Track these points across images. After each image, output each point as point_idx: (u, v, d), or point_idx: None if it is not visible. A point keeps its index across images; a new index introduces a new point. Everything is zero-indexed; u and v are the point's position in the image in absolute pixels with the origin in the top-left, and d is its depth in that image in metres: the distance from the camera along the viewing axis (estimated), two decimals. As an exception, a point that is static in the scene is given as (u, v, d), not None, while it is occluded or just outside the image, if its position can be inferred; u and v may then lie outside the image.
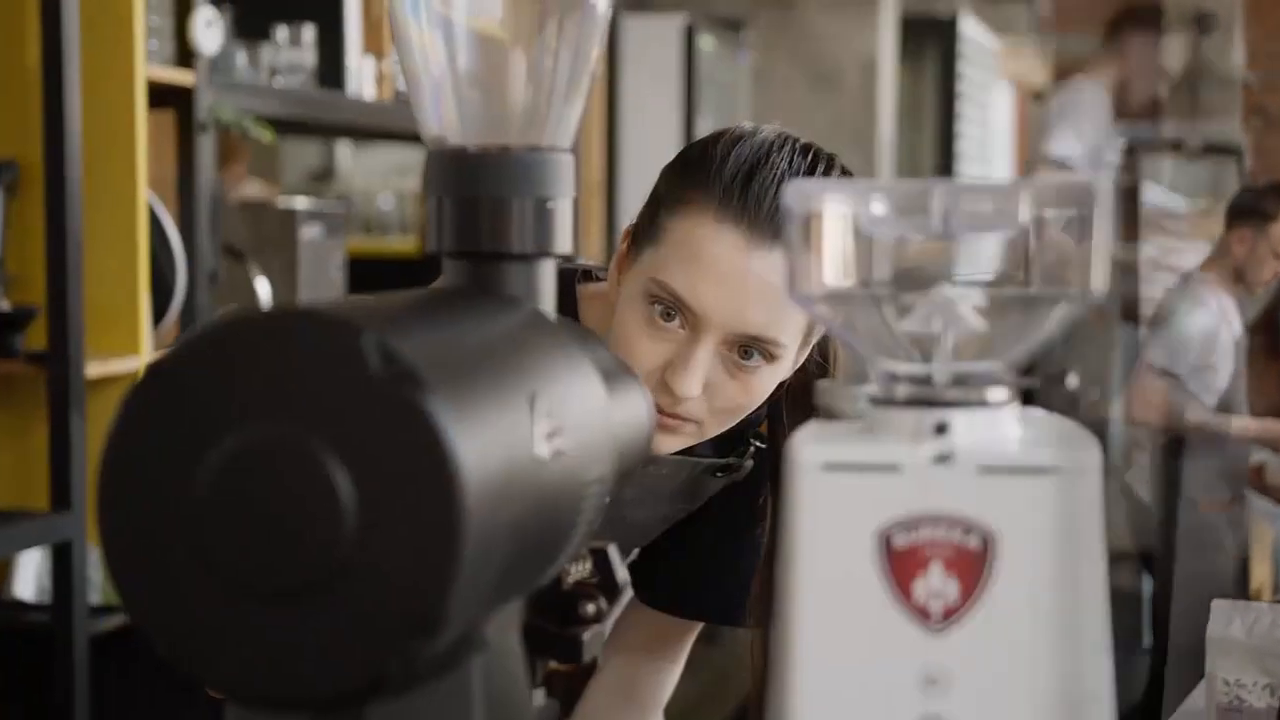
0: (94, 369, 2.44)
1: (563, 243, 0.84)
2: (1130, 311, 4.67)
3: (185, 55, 2.67)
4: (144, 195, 2.52)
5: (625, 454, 0.86)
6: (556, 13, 0.84)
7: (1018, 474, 0.69)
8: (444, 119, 0.84)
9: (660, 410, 1.23)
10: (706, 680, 3.42)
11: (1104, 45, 4.48)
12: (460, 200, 0.82)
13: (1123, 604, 4.80)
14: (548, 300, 0.84)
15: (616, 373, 0.89)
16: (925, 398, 0.72)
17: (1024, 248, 0.72)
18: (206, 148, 2.69)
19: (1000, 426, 0.71)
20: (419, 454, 0.62)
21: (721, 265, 1.21)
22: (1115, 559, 4.57)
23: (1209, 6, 9.37)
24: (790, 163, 1.26)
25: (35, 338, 2.42)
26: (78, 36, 2.40)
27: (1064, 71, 9.92)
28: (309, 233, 3.07)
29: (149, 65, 2.58)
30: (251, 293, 2.88)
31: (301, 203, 3.17)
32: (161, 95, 2.65)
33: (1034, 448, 0.70)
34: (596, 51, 0.86)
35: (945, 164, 7.41)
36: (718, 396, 1.25)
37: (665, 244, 1.24)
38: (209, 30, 2.65)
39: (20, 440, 2.50)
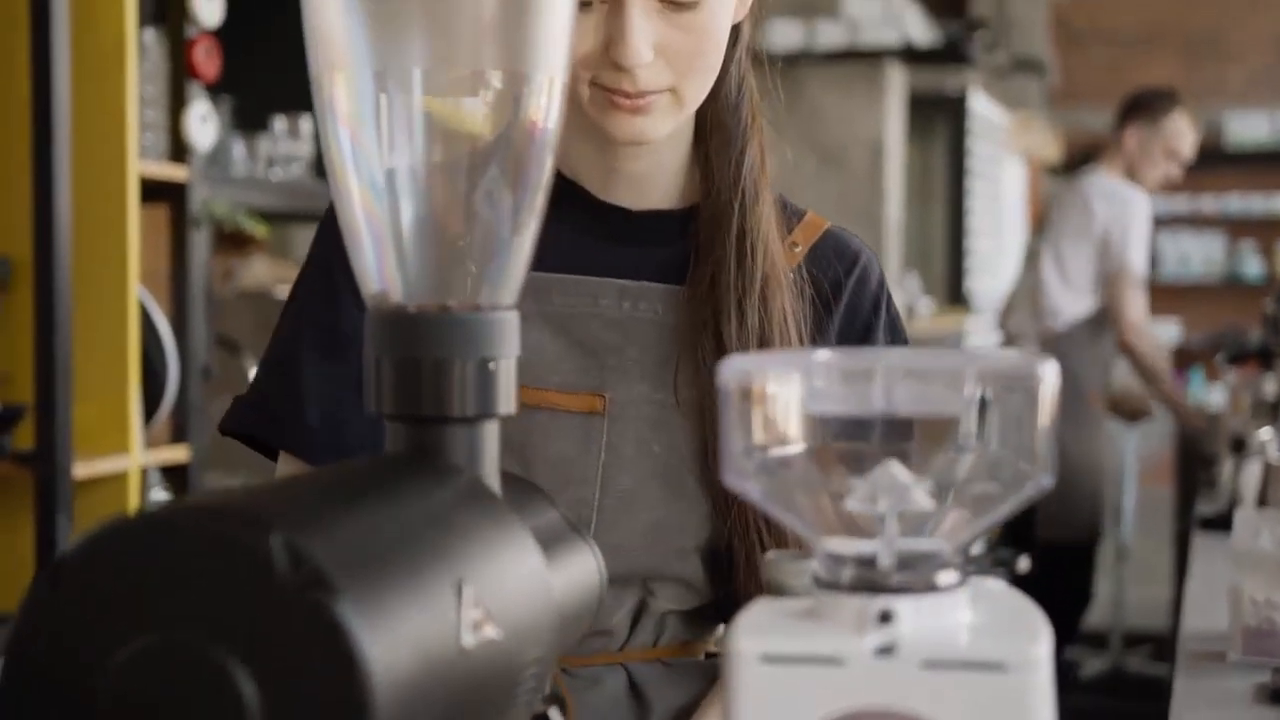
0: (82, 469, 2.42)
1: (506, 404, 0.82)
2: None
3: (180, 149, 2.67)
4: (135, 292, 2.51)
5: (569, 623, 0.83)
6: (498, 171, 0.82)
7: (964, 669, 0.66)
8: (385, 276, 0.82)
9: (625, 94, 1.15)
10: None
11: (1112, 133, 4.50)
12: (400, 361, 0.80)
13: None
14: (490, 463, 0.81)
15: (562, 535, 0.87)
16: (870, 582, 0.69)
17: (970, 427, 0.70)
18: (200, 243, 2.68)
19: (948, 613, 0.69)
20: (328, 660, 0.59)
21: None
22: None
23: None
24: None
25: (23, 437, 2.40)
26: (69, 132, 2.40)
27: (1075, 145, 9.95)
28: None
29: (143, 161, 2.57)
30: (246, 386, 2.86)
31: (300, 292, 3.16)
32: (156, 190, 2.64)
33: (982, 639, 0.67)
34: (540, 204, 0.83)
35: (956, 239, 7.39)
36: (673, 53, 1.15)
37: None
38: (203, 125, 2.65)
39: (7, 541, 2.47)
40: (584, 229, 1.25)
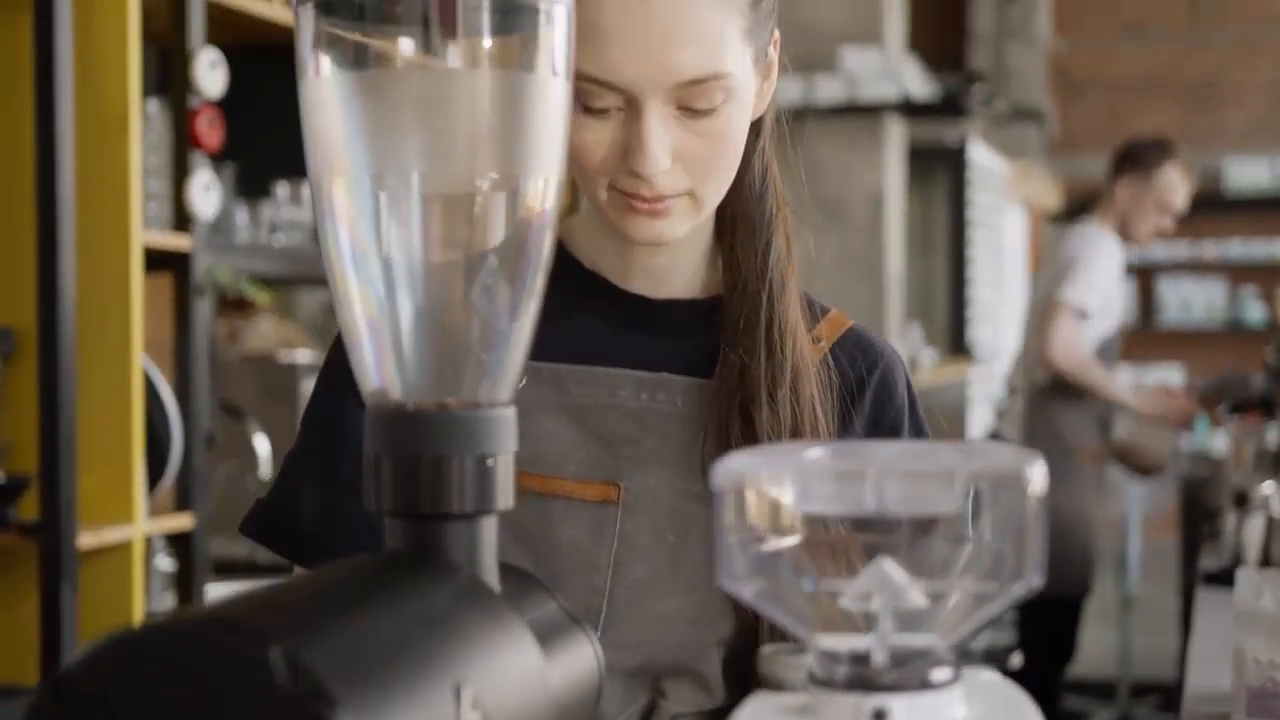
0: (87, 539, 2.42)
1: (504, 499, 0.82)
2: None
3: (183, 219, 2.69)
4: (139, 362, 2.52)
5: (568, 715, 0.84)
6: (495, 269, 0.83)
7: (958, 768, 0.67)
8: (383, 374, 0.83)
9: (643, 199, 1.14)
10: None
11: (1105, 184, 4.52)
12: (399, 458, 0.81)
13: None
14: (489, 558, 0.82)
15: (561, 627, 0.87)
16: (864, 680, 0.70)
17: (961, 526, 0.71)
18: (203, 310, 2.70)
19: (942, 710, 0.69)
20: (328, 771, 0.60)
21: (618, 25, 1.09)
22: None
23: None
24: None
25: (28, 507, 2.41)
26: (73, 202, 2.42)
27: (1075, 193, 9.99)
28: (310, 387, 3.07)
29: (146, 231, 2.59)
30: (251, 451, 2.88)
31: (304, 356, 3.18)
32: (159, 259, 2.66)
33: (975, 738, 0.68)
34: (536, 301, 0.85)
35: (957, 289, 7.42)
36: (691, 158, 1.14)
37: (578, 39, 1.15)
38: (206, 195, 2.67)
39: (11, 613, 2.48)
40: (604, 319, 1.25)
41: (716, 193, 1.18)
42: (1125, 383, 4.46)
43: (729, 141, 1.15)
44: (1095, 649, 6.57)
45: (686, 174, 1.14)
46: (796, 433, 1.19)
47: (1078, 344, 4.25)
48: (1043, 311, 4.34)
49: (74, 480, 2.38)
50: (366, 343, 0.83)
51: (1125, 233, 4.42)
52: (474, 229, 0.82)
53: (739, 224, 1.25)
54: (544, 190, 0.83)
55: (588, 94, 1.11)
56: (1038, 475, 0.69)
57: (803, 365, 1.21)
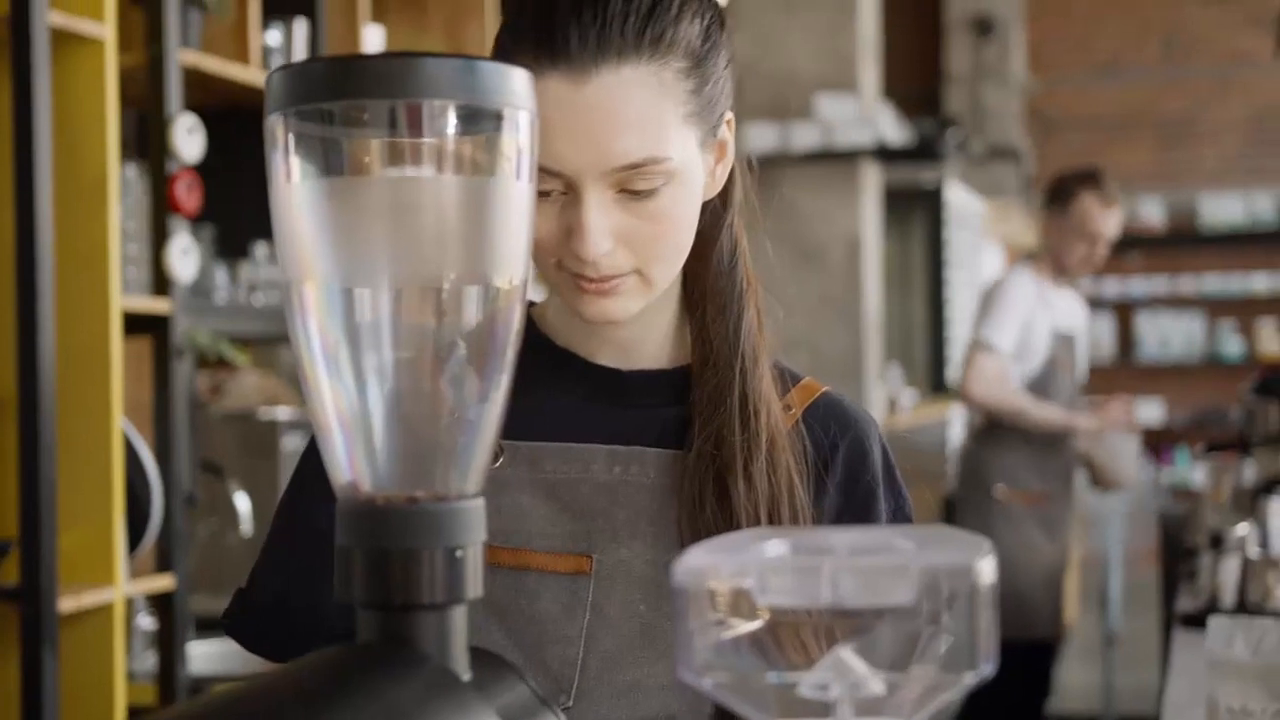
0: (68, 603, 2.43)
1: (474, 589, 0.85)
2: None
3: (162, 282, 2.71)
4: (119, 425, 2.54)
5: (540, 801, 0.85)
6: (463, 368, 0.86)
7: None
8: (354, 468, 0.85)
9: (589, 279, 1.16)
10: None
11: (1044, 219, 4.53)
12: (370, 551, 0.83)
13: None
14: (459, 647, 0.84)
15: (531, 710, 0.89)
16: (824, 767, 0.72)
17: (916, 621, 0.73)
18: (183, 372, 2.72)
19: (900, 796, 0.71)
20: None
21: (557, 113, 1.12)
22: None
23: (990, 11, 9.55)
24: None
25: (8, 572, 2.42)
26: (53, 266, 2.44)
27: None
28: (291, 443, 3.09)
29: (126, 295, 2.61)
30: (231, 510, 2.89)
31: (284, 413, 3.19)
32: (139, 322, 2.68)
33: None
34: (502, 398, 0.87)
35: (936, 328, 7.46)
36: (634, 239, 1.15)
37: None
38: (185, 258, 2.69)
39: (-8, 678, 2.48)
40: (577, 393, 1.27)
41: (666, 271, 1.19)
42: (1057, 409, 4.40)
43: (672, 222, 1.16)
44: (1078, 685, 6.59)
45: (631, 254, 1.16)
46: (773, 504, 1.21)
47: (995, 378, 4.22)
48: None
49: (54, 544, 2.40)
50: (337, 437, 0.85)
51: (1060, 268, 4.39)
52: (442, 327, 0.84)
53: (709, 298, 1.26)
54: (510, 288, 0.86)
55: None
56: (987, 568, 0.71)
57: (777, 437, 1.23)
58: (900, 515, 1.30)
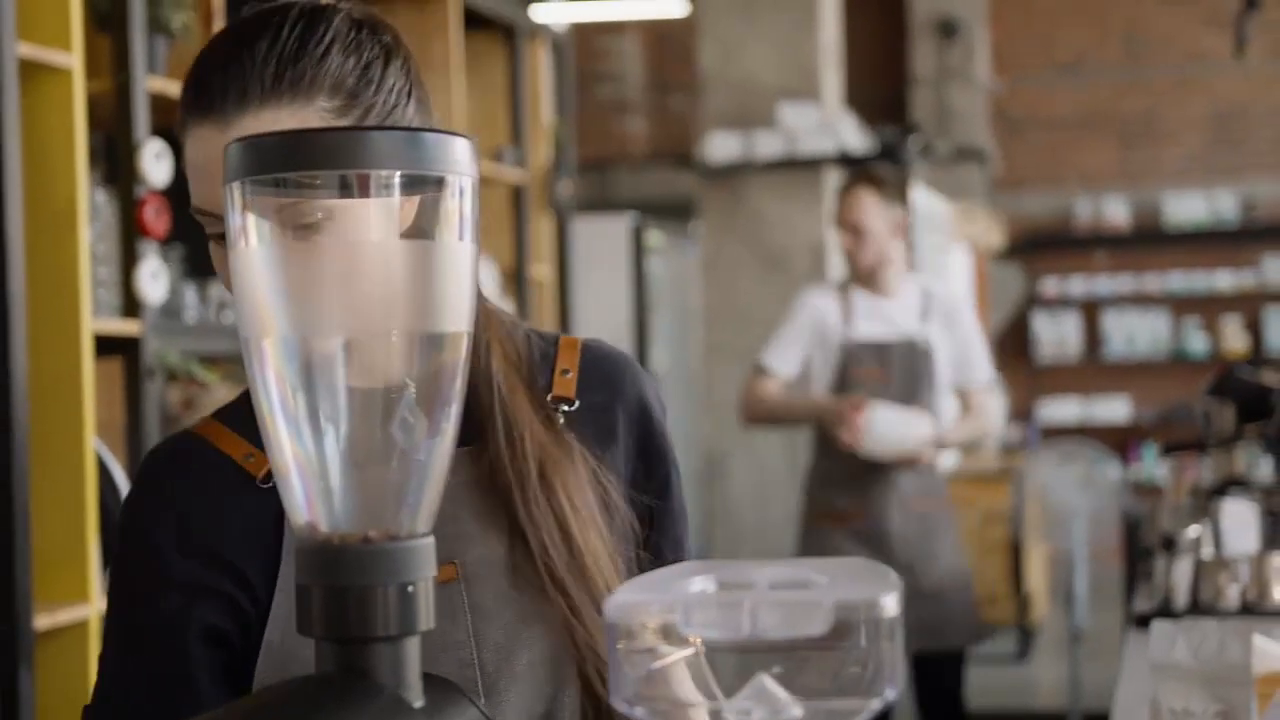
0: (43, 621, 2.48)
1: (426, 621, 0.91)
2: None
3: (132, 304, 2.76)
4: (91, 445, 2.59)
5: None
6: (411, 417, 0.92)
7: None
8: (311, 510, 0.91)
9: None
10: None
11: None
12: (326, 588, 0.89)
13: None
14: (413, 675, 0.90)
15: (483, 735, 0.96)
16: (745, 787, 0.78)
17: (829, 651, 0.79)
18: (154, 393, 2.77)
19: (815, 813, 0.78)
20: None
21: (208, 158, 1.19)
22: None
23: (953, 13, 9.64)
24: (247, 27, 1.21)
25: (-17, 591, 2.47)
26: (24, 291, 2.48)
27: (1018, 230, 10.15)
28: (261, 458, 3.13)
29: (96, 318, 2.66)
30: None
31: (254, 427, 3.24)
32: (109, 344, 2.73)
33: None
34: (450, 442, 0.93)
35: (903, 331, 7.52)
36: None
37: (189, 178, 1.22)
38: (154, 281, 2.74)
39: (-31, 696, 2.53)
40: None
41: None
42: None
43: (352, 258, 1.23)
44: (1045, 680, 6.68)
45: None
46: (563, 525, 1.26)
47: (757, 394, 4.11)
48: None
49: (29, 563, 2.45)
50: (295, 481, 0.91)
51: (855, 275, 4.22)
52: (391, 376, 0.91)
53: None
54: (455, 336, 0.92)
55: (214, 229, 1.23)
56: (891, 601, 0.78)
57: (547, 457, 1.28)
58: (676, 469, 1.38)
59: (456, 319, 0.91)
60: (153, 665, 1.25)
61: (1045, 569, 7.72)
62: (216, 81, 1.19)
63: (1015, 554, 7.26)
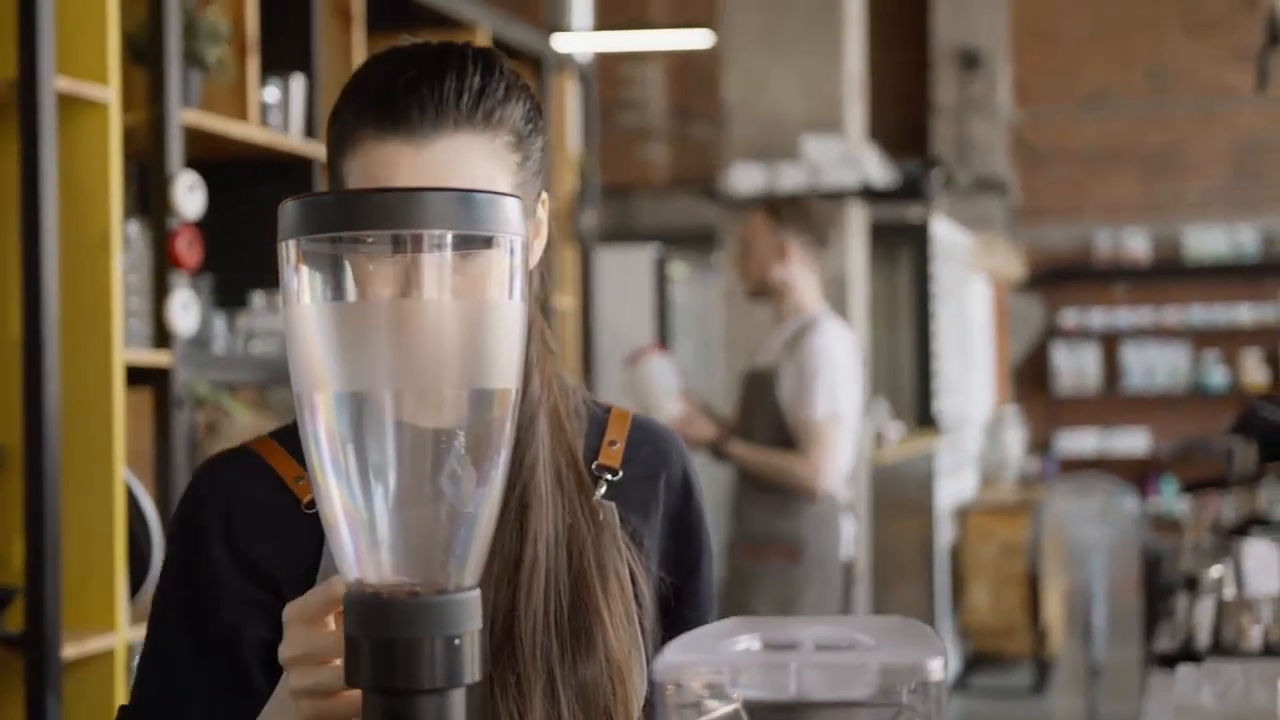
0: (71, 649, 2.50)
1: (471, 674, 0.92)
2: None
3: (163, 335, 2.78)
4: (121, 475, 2.61)
5: None
6: (460, 470, 0.93)
7: None
8: (361, 565, 0.93)
9: None
10: None
11: None
12: (375, 641, 0.91)
13: None
14: (457, 727, 0.92)
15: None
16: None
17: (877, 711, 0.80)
18: (183, 423, 2.79)
19: None
20: None
21: (397, 175, 1.19)
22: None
23: (976, 45, 9.62)
24: (429, 53, 1.23)
25: (13, 619, 2.48)
26: (58, 321, 2.51)
27: (1038, 262, 10.14)
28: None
29: (128, 348, 2.68)
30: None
31: (279, 456, 3.25)
32: (140, 374, 2.75)
33: None
34: (498, 495, 0.94)
35: (923, 362, 7.54)
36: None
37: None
38: (185, 312, 2.76)
39: (-5, 724, 2.55)
40: None
41: None
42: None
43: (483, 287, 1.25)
44: (1063, 715, 6.66)
45: None
46: (518, 560, 1.26)
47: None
48: None
49: (58, 592, 2.46)
50: (344, 533, 0.93)
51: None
52: (440, 432, 0.92)
53: None
54: (503, 392, 0.93)
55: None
56: (937, 666, 0.79)
57: (533, 502, 1.28)
58: (709, 555, 1.40)
59: (505, 375, 0.92)
60: (195, 654, 1.26)
61: (1062, 601, 7.71)
62: (411, 100, 1.20)
63: (1033, 586, 7.25)
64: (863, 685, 0.80)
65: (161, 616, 1.29)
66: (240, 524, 1.27)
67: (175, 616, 1.28)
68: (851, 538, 4.11)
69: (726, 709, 0.83)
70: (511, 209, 0.92)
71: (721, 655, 0.81)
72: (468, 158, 1.21)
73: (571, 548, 1.28)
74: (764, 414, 4.01)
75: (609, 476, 1.33)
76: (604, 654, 1.25)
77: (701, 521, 1.39)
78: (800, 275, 4.09)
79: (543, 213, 1.32)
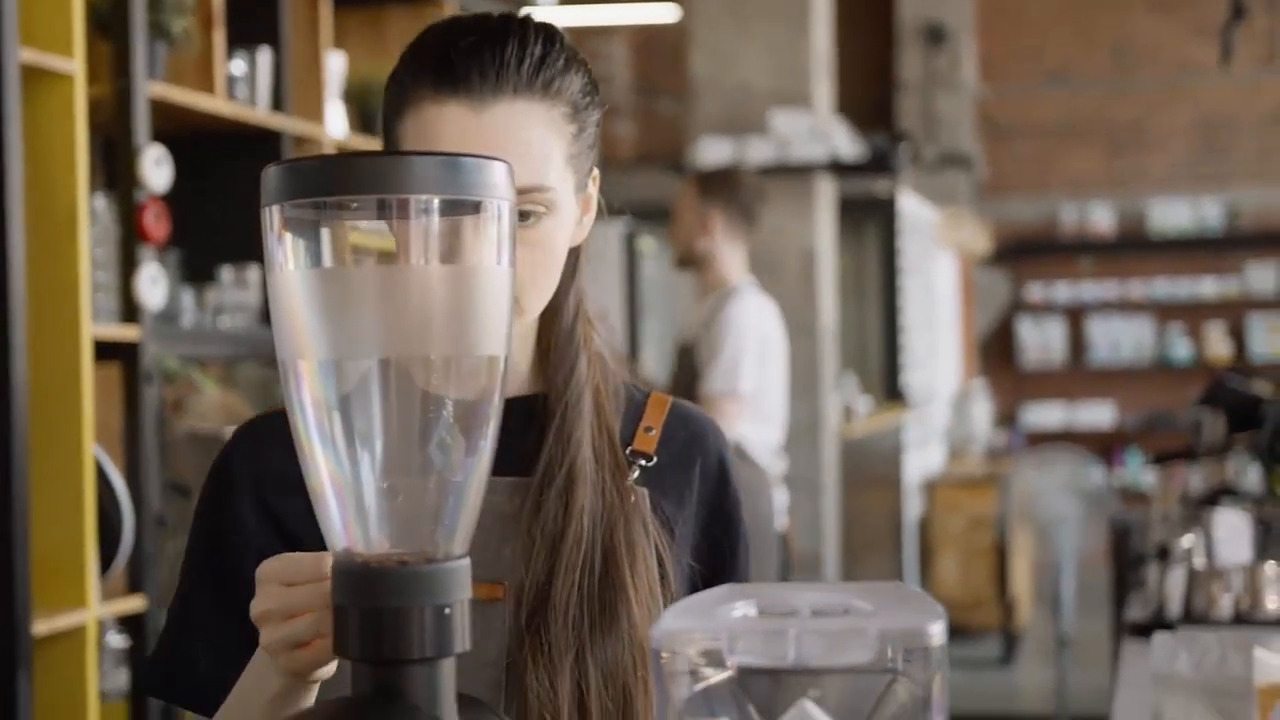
0: (41, 626, 2.48)
1: (461, 643, 0.91)
2: None
3: (131, 310, 2.75)
4: (90, 451, 2.58)
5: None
6: (448, 441, 0.92)
7: None
8: (349, 534, 0.91)
9: None
10: None
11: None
12: (364, 611, 0.89)
13: None
14: (448, 697, 0.91)
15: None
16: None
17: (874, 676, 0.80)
18: (152, 397, 2.76)
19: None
20: None
21: (456, 136, 1.20)
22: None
23: (941, 20, 9.65)
24: (490, 22, 1.24)
25: (-18, 597, 2.46)
26: (25, 296, 2.48)
27: (1004, 236, 10.17)
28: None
29: (96, 323, 2.65)
30: (199, 531, 2.92)
31: (248, 432, 3.23)
32: (108, 349, 2.72)
33: None
34: (486, 464, 0.93)
35: (890, 336, 7.55)
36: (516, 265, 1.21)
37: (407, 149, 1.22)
38: (153, 286, 2.74)
39: (-33, 702, 2.52)
40: None
41: (537, 300, 1.25)
42: None
43: (547, 253, 1.24)
44: (1032, 686, 6.70)
45: None
46: (560, 537, 1.25)
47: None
48: None
49: (28, 569, 2.44)
50: (332, 503, 0.92)
51: None
52: (427, 399, 0.91)
53: (552, 352, 1.32)
54: (491, 360, 0.92)
55: None
56: (936, 630, 0.78)
57: (579, 474, 1.27)
58: (746, 540, 1.39)
59: (494, 342, 0.91)
60: (214, 605, 1.26)
61: (1030, 573, 7.74)
62: (472, 63, 1.20)
63: (1000, 559, 7.29)
64: (861, 650, 0.79)
65: (187, 568, 1.30)
66: (270, 483, 1.27)
67: (201, 568, 1.29)
68: (784, 509, 4.13)
69: (724, 675, 0.82)
70: (500, 173, 0.91)
71: (719, 622, 0.81)
72: (525, 123, 1.21)
73: (604, 525, 1.27)
74: (688, 387, 4.00)
75: (642, 462, 1.33)
76: (628, 631, 1.24)
77: (738, 508, 1.38)
78: (724, 248, 4.09)
79: (593, 188, 1.32)
